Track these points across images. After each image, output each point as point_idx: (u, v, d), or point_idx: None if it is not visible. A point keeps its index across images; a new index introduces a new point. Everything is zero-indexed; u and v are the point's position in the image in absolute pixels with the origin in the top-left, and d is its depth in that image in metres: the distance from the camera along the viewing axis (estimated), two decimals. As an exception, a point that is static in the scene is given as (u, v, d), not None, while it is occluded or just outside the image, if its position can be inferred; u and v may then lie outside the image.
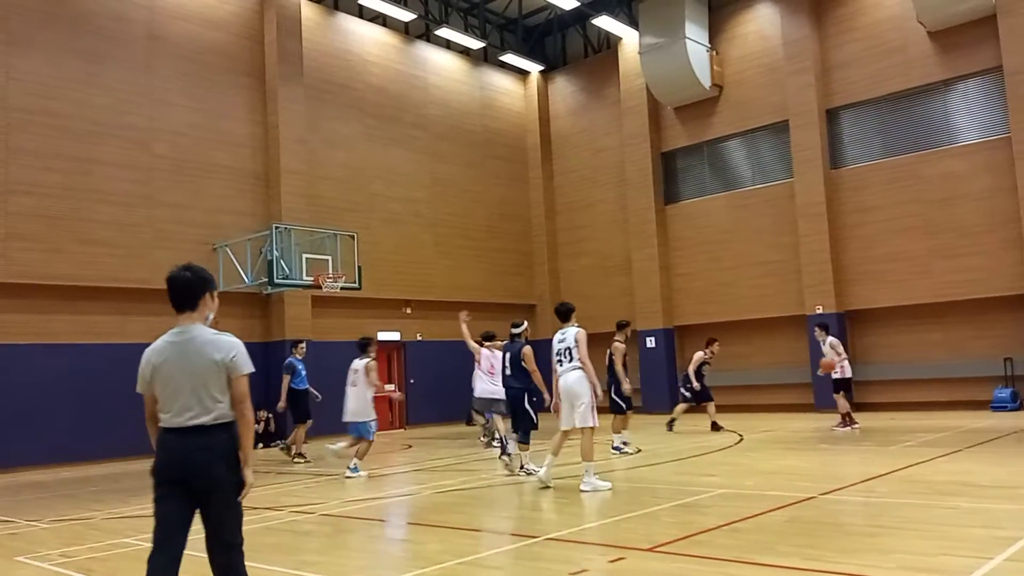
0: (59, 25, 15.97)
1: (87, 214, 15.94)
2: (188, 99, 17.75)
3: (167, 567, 3.97)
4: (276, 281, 16.79)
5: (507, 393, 10.54)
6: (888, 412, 17.92)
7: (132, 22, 17.05)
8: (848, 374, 14.64)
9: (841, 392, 14.56)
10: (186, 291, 3.98)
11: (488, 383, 12.27)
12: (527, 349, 10.28)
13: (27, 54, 15.48)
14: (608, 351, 12.78)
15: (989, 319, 17.79)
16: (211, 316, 4.13)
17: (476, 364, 12.68)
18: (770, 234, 20.81)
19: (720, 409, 16.25)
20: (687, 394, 15.98)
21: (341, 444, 11.66)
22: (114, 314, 16.20)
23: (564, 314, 9.22)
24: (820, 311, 19.37)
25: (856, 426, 14.56)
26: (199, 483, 3.84)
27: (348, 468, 11.28)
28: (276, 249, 16.90)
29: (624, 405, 12.47)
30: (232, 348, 3.94)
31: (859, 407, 18.93)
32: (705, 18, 21.88)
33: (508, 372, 10.43)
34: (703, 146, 22.43)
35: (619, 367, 12.46)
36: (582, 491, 8.42)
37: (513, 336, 10.58)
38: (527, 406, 10.12)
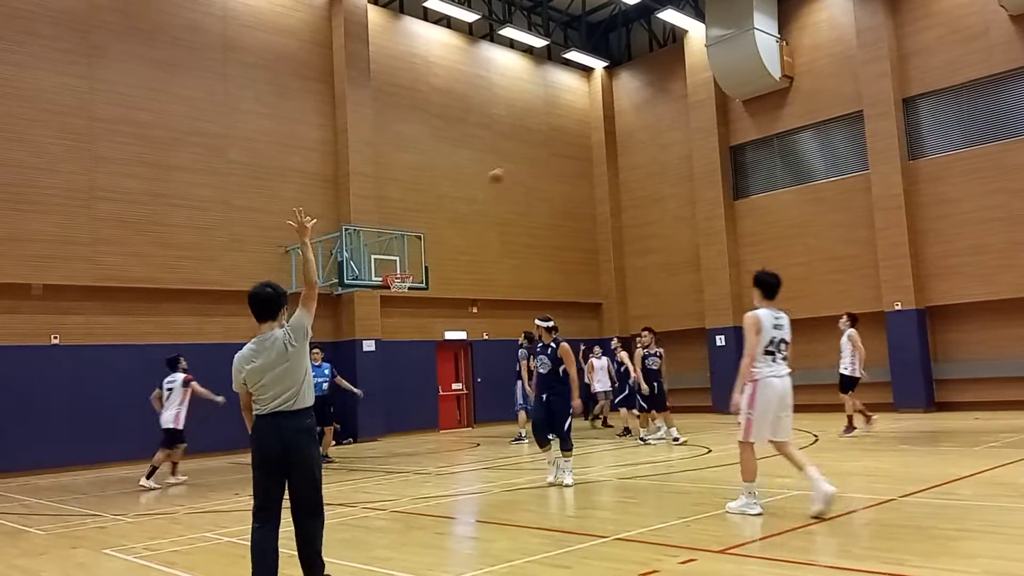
0: (137, 36, 16.59)
1: (166, 219, 16.53)
2: (261, 105, 18.23)
3: None
4: (346, 282, 17.11)
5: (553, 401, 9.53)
6: (972, 411, 17.24)
7: (206, 32, 17.60)
8: (858, 374, 13.44)
9: (849, 392, 13.48)
10: (272, 302, 4.97)
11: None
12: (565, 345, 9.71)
13: (108, 65, 16.13)
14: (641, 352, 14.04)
15: (1081, 314, 16.94)
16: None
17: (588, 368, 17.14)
18: (845, 228, 20.24)
19: (794, 409, 15.86)
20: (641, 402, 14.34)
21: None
22: (193, 315, 16.76)
23: (773, 288, 7.60)
24: (899, 307, 18.76)
25: (870, 425, 13.55)
26: (290, 460, 4.88)
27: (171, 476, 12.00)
28: (346, 250, 17.22)
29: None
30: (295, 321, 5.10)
31: (941, 406, 18.30)
32: (774, 8, 21.41)
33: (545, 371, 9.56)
34: (773, 139, 21.96)
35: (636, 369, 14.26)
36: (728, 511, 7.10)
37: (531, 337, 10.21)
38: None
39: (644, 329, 14.28)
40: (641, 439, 14.09)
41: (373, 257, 17.76)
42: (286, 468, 4.74)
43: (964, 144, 18.58)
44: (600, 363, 17.64)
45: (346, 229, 17.52)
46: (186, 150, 16.97)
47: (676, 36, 23.94)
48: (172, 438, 11.99)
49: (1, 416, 14.20)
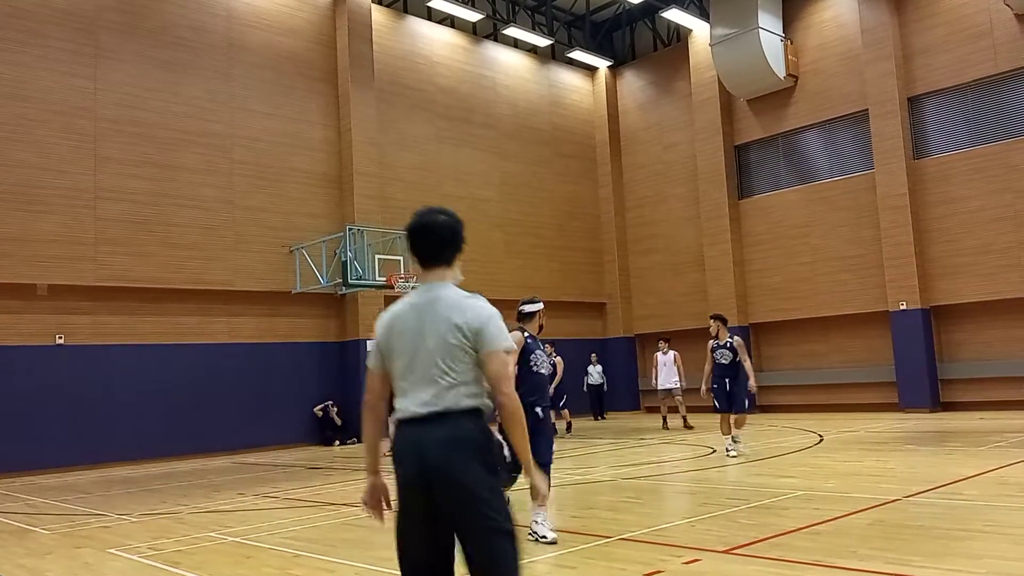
0: (142, 37, 16.62)
1: (171, 219, 16.56)
2: (265, 105, 18.25)
3: None
4: (350, 282, 17.12)
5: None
6: (977, 411, 17.19)
7: (211, 32, 17.62)
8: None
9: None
10: (440, 238, 3.12)
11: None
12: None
13: (113, 66, 16.16)
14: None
15: (1087, 314, 16.88)
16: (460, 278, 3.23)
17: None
18: (850, 228, 20.19)
19: (798, 409, 15.86)
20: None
21: None
22: (197, 315, 16.79)
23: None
24: (904, 307, 18.72)
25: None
26: (437, 489, 2.91)
27: None
28: (350, 250, 17.23)
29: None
30: (482, 315, 3.02)
31: (946, 406, 18.25)
32: (779, 7, 21.37)
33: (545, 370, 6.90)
34: (778, 138, 21.92)
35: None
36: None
37: (524, 315, 6.99)
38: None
39: (712, 317, 11.97)
40: (727, 449, 11.47)
41: (377, 257, 17.78)
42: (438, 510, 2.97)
43: (969, 143, 18.52)
44: (666, 358, 17.31)
45: (350, 229, 17.55)
46: (191, 150, 17.00)
47: (680, 35, 23.91)
48: None
49: (6, 416, 14.24)
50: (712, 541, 5.92)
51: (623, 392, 23.80)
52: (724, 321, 11.85)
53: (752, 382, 11.38)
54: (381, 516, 3.25)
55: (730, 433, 11.35)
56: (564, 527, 7.16)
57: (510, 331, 5.45)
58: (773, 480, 9.14)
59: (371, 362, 3.20)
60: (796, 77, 21.30)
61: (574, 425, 17.96)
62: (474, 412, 2.99)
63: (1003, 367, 17.70)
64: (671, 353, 17.19)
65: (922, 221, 18.98)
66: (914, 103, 19.40)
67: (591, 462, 11.72)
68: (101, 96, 15.93)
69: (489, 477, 2.93)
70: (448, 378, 2.96)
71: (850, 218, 20.19)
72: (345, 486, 10.59)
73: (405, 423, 3.03)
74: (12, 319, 14.64)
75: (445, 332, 2.98)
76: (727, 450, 11.30)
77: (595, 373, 21.38)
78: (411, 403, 3.00)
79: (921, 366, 18.36)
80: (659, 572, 5.17)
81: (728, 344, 11.50)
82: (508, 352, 3.02)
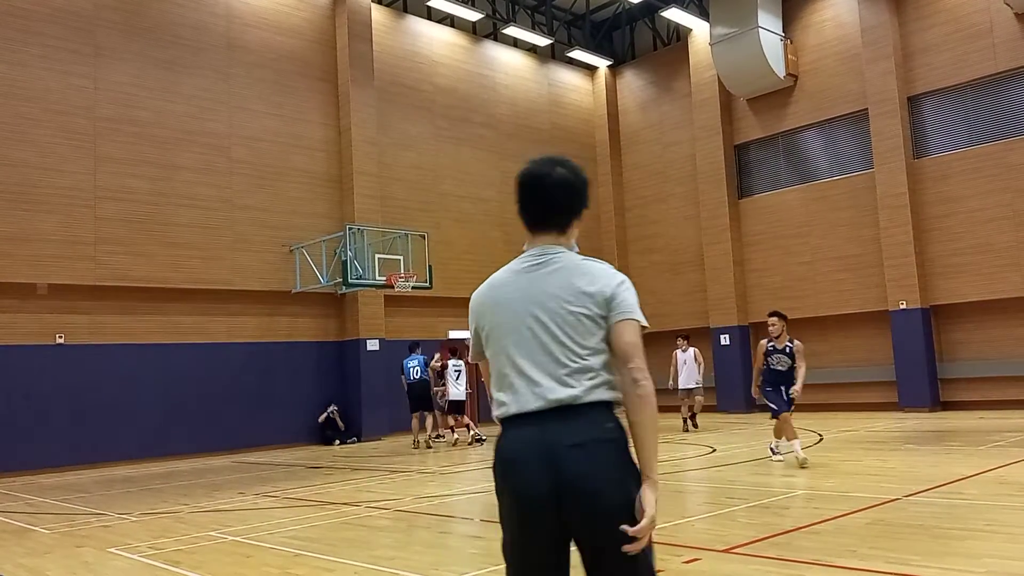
0: (141, 36, 16.61)
1: (170, 218, 16.55)
2: (265, 105, 18.24)
3: None
4: (350, 281, 17.13)
5: None
6: (977, 411, 17.20)
7: (210, 32, 17.61)
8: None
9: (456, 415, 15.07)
10: (553, 199, 2.48)
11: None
12: None
13: (112, 65, 16.15)
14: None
15: (1087, 313, 16.88)
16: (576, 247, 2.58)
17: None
18: (849, 227, 20.20)
19: (798, 408, 15.77)
20: None
21: None
22: (196, 315, 16.78)
23: None
24: (904, 306, 18.72)
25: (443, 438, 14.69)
26: (571, 507, 2.25)
27: None
28: (350, 250, 17.24)
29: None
30: (613, 280, 2.43)
31: (946, 406, 18.25)
32: (778, 6, 21.37)
33: None
34: (778, 138, 21.92)
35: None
36: None
37: None
38: None
39: (771, 314, 10.35)
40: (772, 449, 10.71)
41: (377, 256, 17.80)
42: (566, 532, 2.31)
43: (969, 142, 18.52)
44: (686, 356, 15.92)
45: (350, 228, 17.55)
46: (190, 150, 16.99)
47: (680, 35, 23.91)
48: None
49: (6, 415, 14.24)
50: (712, 540, 5.92)
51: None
52: (787, 320, 10.17)
53: (798, 387, 9.84)
54: None
55: (795, 438, 9.92)
56: (564, 526, 7.15)
57: None
58: (773, 479, 9.14)
59: (474, 352, 2.58)
60: (796, 76, 21.30)
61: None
62: (609, 407, 2.34)
63: (1003, 366, 17.70)
64: (691, 350, 16.00)
65: (922, 220, 18.99)
66: (914, 102, 19.40)
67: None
68: (100, 95, 15.92)
69: (636, 494, 2.26)
70: (576, 360, 2.32)
71: (850, 217, 20.19)
72: (344, 485, 10.59)
73: (517, 421, 2.36)
74: (12, 319, 14.63)
75: (569, 300, 2.36)
76: (772, 450, 10.46)
77: None
78: (524, 394, 2.34)
79: (921, 365, 18.36)
80: (659, 571, 5.15)
81: (787, 349, 10.01)
82: (643, 327, 2.42)
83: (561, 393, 2.30)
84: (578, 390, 2.30)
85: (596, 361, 2.34)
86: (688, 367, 15.86)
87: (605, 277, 2.41)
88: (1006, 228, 17.72)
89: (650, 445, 2.29)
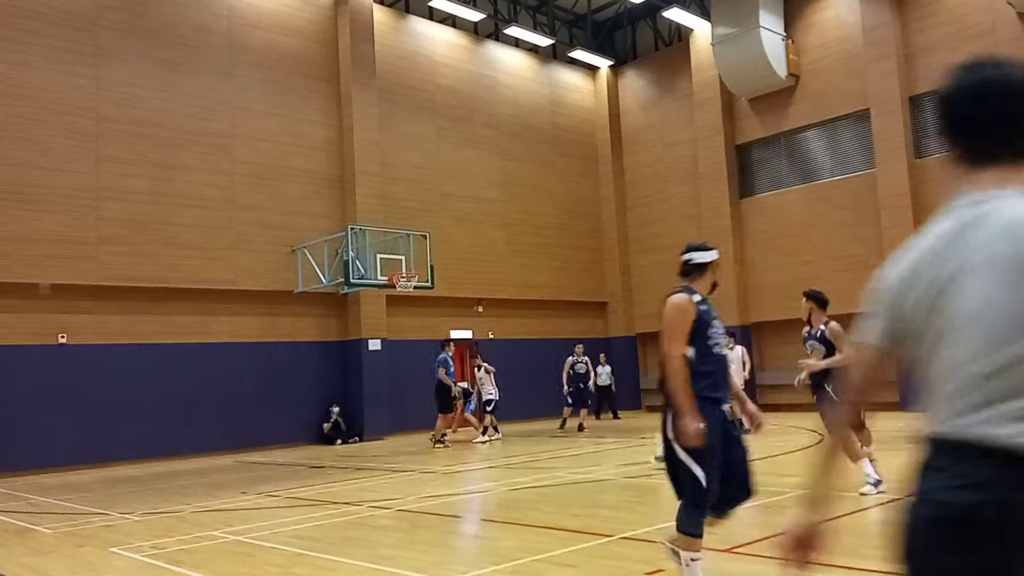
0: (144, 36, 16.62)
1: (172, 218, 16.57)
2: (267, 105, 18.26)
3: None
4: (352, 281, 17.14)
5: None
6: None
7: (212, 32, 17.63)
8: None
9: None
10: (1018, 111, 1.72)
11: None
12: None
13: (114, 65, 16.17)
14: None
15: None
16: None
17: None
18: (851, 227, 20.18)
19: (799, 408, 15.86)
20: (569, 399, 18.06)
21: None
22: (198, 315, 16.80)
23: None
24: (904, 306, 18.69)
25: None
26: None
27: None
28: (352, 249, 17.25)
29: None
30: None
31: (947, 405, 18.22)
32: (780, 6, 21.36)
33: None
34: (779, 137, 21.91)
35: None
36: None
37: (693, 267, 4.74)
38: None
39: (807, 294, 9.40)
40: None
41: (379, 256, 17.81)
42: None
43: (971, 142, 18.48)
44: (733, 354, 14.32)
45: (352, 228, 17.56)
46: (192, 150, 17.01)
47: (682, 35, 23.91)
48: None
49: (9, 415, 14.26)
50: (713, 540, 5.91)
51: (625, 391, 23.79)
52: (821, 302, 8.72)
53: (811, 361, 8.58)
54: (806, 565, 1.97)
55: (860, 457, 8.03)
56: (566, 526, 7.17)
57: (672, 293, 4.40)
58: (774, 479, 9.14)
59: (872, 331, 1.89)
60: (797, 76, 21.29)
61: (567, 424, 18.21)
62: None
63: (1005, 366, 17.66)
64: (739, 349, 14.80)
65: (923, 220, 18.78)
66: (915, 102, 19.38)
67: (595, 460, 11.73)
68: (102, 95, 15.94)
69: None
70: None
71: (852, 217, 20.18)
72: (346, 485, 10.60)
73: (990, 459, 1.59)
74: (14, 318, 14.66)
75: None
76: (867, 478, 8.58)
77: (604, 374, 21.35)
78: (994, 419, 1.58)
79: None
80: (660, 571, 5.17)
81: (819, 334, 8.51)
82: None
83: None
84: None
85: None
86: (735, 368, 13.82)
87: None
88: (1008, 228, 17.68)
89: None
